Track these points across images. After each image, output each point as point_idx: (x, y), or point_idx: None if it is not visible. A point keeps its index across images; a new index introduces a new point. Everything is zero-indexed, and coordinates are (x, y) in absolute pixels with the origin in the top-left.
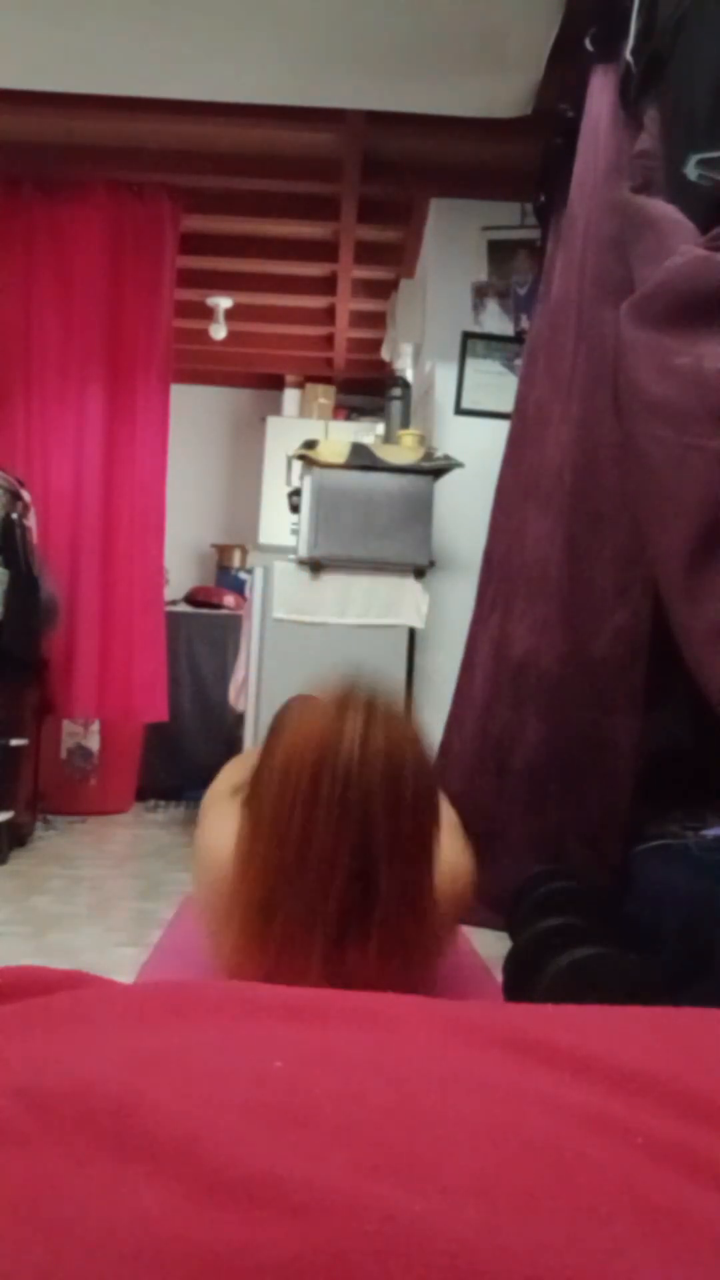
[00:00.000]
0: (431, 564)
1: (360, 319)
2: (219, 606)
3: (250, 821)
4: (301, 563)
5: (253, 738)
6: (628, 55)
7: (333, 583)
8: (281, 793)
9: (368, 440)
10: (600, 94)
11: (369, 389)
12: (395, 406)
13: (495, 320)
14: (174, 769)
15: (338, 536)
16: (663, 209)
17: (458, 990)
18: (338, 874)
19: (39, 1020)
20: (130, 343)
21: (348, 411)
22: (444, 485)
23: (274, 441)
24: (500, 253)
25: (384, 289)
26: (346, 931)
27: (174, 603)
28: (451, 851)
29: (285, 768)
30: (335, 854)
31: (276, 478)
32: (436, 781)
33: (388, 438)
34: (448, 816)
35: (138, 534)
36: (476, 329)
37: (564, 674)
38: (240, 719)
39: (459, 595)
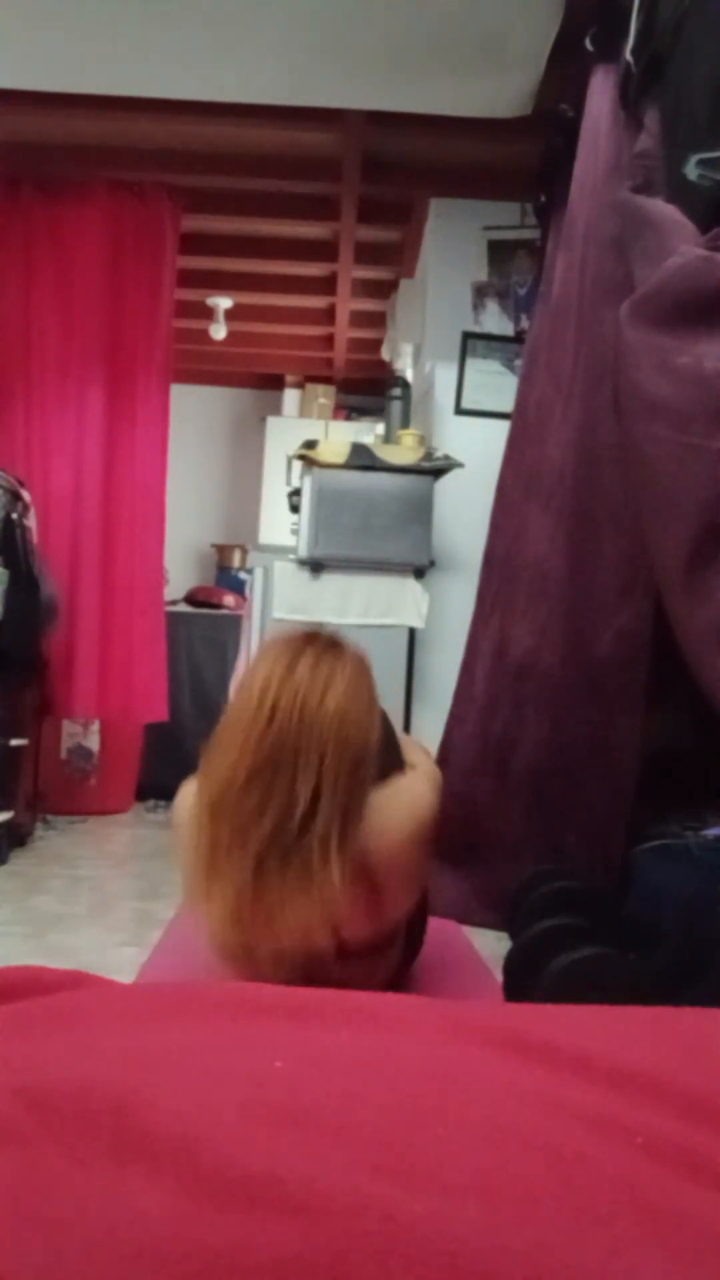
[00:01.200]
0: (431, 564)
1: (360, 319)
2: (219, 606)
3: (207, 755)
4: (301, 563)
5: None
6: (628, 55)
7: (333, 583)
8: (233, 731)
9: (368, 440)
10: (600, 94)
11: (369, 389)
12: (395, 406)
13: (495, 320)
14: (174, 769)
15: (338, 536)
16: (663, 209)
17: (458, 990)
18: (270, 801)
19: (39, 1020)
20: (130, 343)
21: (348, 411)
22: (444, 485)
23: (274, 441)
24: (500, 253)
25: (384, 289)
26: (269, 854)
27: (174, 603)
28: (411, 791)
29: (239, 708)
30: (271, 785)
31: (276, 478)
32: (374, 728)
33: (388, 438)
34: (422, 762)
35: (138, 534)
36: (476, 329)
37: (565, 674)
38: None
39: (459, 595)
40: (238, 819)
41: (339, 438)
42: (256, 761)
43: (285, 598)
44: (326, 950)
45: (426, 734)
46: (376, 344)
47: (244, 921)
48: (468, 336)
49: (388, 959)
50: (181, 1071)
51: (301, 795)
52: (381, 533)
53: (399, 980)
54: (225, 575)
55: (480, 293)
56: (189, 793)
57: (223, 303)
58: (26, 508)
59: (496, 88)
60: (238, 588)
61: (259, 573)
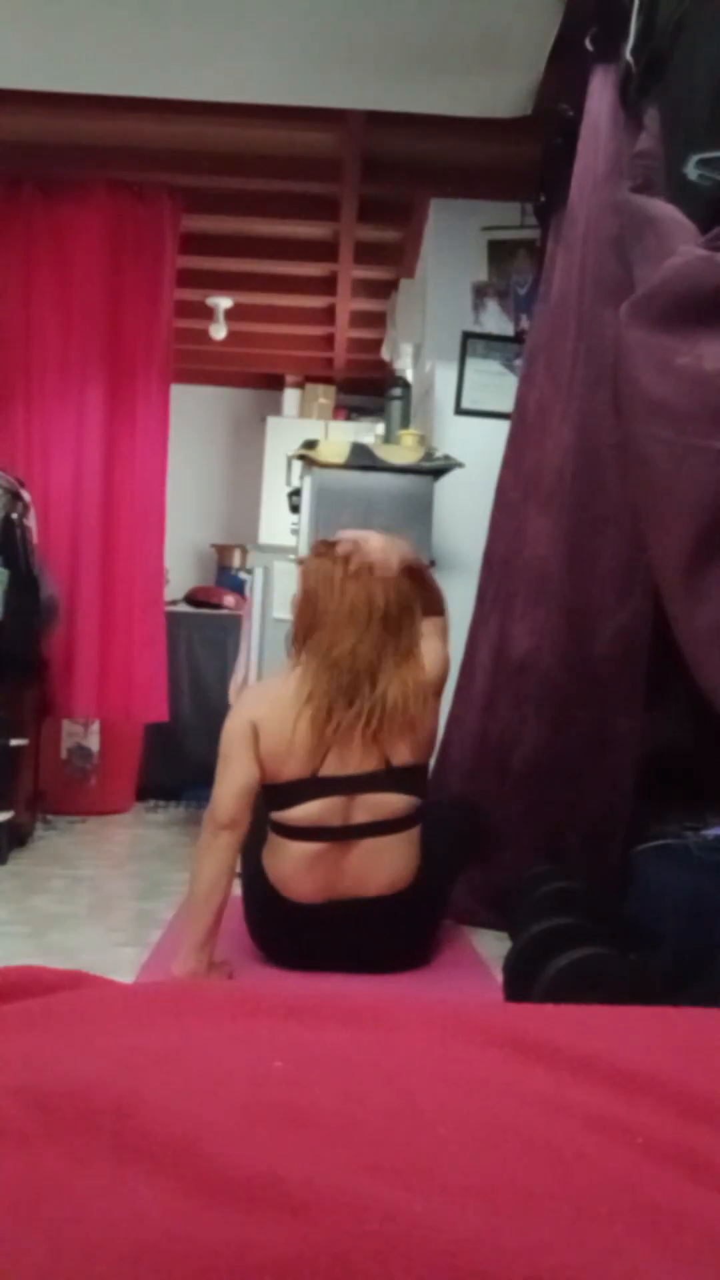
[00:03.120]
0: (431, 564)
1: (360, 319)
2: (219, 606)
3: (306, 626)
4: (301, 563)
5: None
6: (628, 55)
7: None
8: (326, 610)
9: (368, 440)
10: (600, 94)
11: (369, 389)
12: (395, 406)
13: (495, 320)
14: (174, 769)
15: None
16: (663, 209)
17: (457, 989)
18: (385, 648)
19: (39, 1020)
20: (130, 343)
21: (348, 411)
22: (444, 485)
23: (274, 441)
24: (500, 253)
25: (384, 289)
26: (378, 665)
27: (174, 603)
28: (433, 649)
29: (324, 596)
30: (373, 634)
31: (276, 478)
32: (414, 594)
33: (388, 438)
34: (437, 626)
35: (138, 534)
36: (476, 329)
37: (564, 674)
38: None
39: (459, 595)
40: (354, 663)
41: (339, 438)
42: (356, 624)
43: (285, 598)
44: (380, 768)
45: None
46: (376, 344)
47: (347, 742)
48: (468, 336)
49: (410, 834)
50: (181, 1071)
51: (390, 638)
52: (381, 533)
53: (420, 913)
54: (225, 575)
55: (480, 293)
56: (267, 684)
57: (223, 303)
58: (26, 508)
59: (496, 88)
60: (238, 588)
61: (259, 573)
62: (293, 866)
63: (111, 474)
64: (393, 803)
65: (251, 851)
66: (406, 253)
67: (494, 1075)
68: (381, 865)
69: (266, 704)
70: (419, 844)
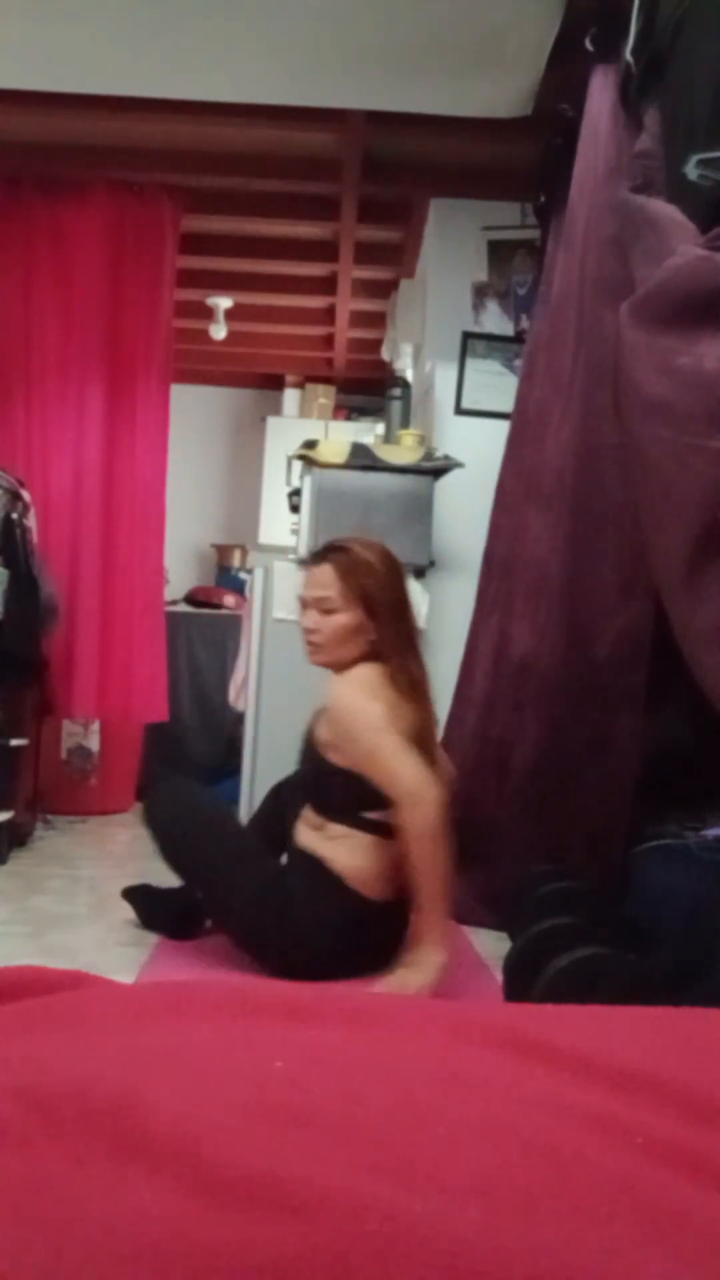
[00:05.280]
0: (431, 564)
1: (360, 319)
2: (219, 606)
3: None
4: (301, 563)
5: (252, 738)
6: (628, 55)
7: None
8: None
9: (368, 440)
10: (600, 94)
11: (369, 389)
12: (395, 406)
13: (495, 320)
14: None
15: (338, 536)
16: (663, 209)
17: (458, 990)
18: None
19: (39, 1020)
20: (130, 343)
21: (348, 411)
22: (444, 485)
23: (274, 441)
24: (500, 253)
25: (384, 289)
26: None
27: (174, 603)
28: None
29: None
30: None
31: (276, 478)
32: None
33: (388, 438)
34: None
35: (138, 534)
36: (476, 329)
37: (564, 674)
38: (240, 719)
39: (459, 595)
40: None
41: (339, 438)
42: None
43: (285, 598)
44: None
45: None
46: (376, 344)
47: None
48: (468, 336)
49: None
50: (181, 1071)
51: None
52: (381, 533)
53: None
54: (225, 575)
55: (480, 293)
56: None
57: (223, 303)
58: (26, 508)
59: (496, 88)
60: (238, 588)
61: (259, 573)
62: (382, 867)
63: (111, 474)
64: None
65: (310, 874)
66: (406, 253)
67: (494, 1075)
68: None
69: (379, 696)
70: None
